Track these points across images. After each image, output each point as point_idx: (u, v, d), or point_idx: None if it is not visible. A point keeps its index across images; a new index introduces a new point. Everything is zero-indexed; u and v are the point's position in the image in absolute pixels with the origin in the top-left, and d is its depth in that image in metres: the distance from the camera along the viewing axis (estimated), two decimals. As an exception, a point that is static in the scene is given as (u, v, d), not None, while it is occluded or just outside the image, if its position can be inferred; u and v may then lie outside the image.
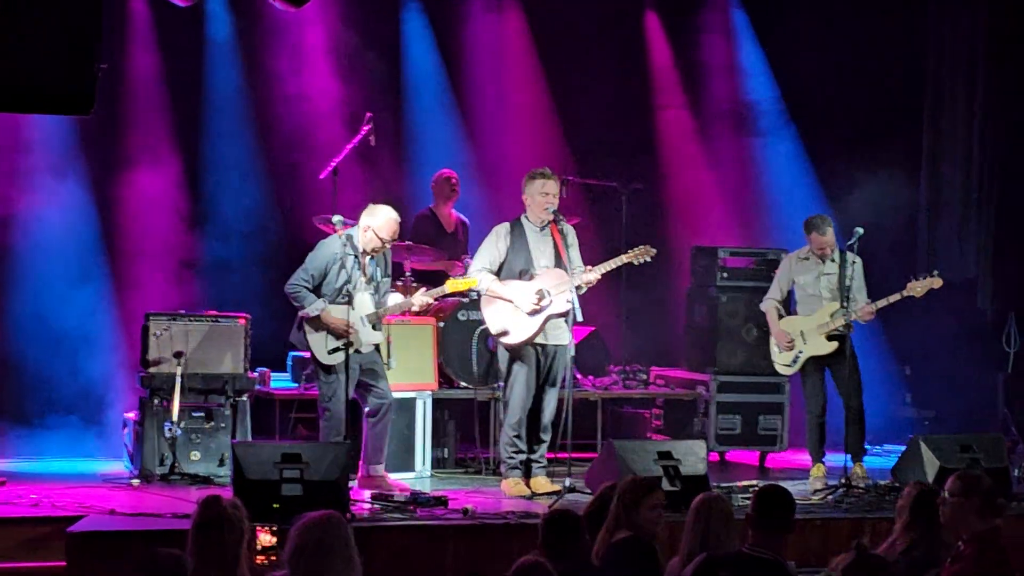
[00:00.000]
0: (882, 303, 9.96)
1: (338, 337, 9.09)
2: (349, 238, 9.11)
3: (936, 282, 9.84)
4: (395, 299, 9.36)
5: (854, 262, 9.92)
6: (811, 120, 12.84)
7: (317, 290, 9.17)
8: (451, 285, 9.30)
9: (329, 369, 9.17)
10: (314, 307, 9.09)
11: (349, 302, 9.02)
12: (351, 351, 9.04)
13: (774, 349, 10.36)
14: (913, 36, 12.81)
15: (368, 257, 9.22)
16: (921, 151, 12.95)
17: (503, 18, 12.53)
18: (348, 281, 9.09)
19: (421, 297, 9.38)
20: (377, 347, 9.35)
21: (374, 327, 9.25)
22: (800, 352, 10.15)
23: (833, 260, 10.14)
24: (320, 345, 9.16)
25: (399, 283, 10.33)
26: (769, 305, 10.40)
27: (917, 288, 9.84)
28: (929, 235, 12.90)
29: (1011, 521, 7.04)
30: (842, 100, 12.72)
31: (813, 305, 10.17)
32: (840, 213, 11.82)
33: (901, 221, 12.83)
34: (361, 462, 9.28)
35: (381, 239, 9.15)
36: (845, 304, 9.90)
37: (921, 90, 12.95)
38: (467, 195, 11.70)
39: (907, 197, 12.80)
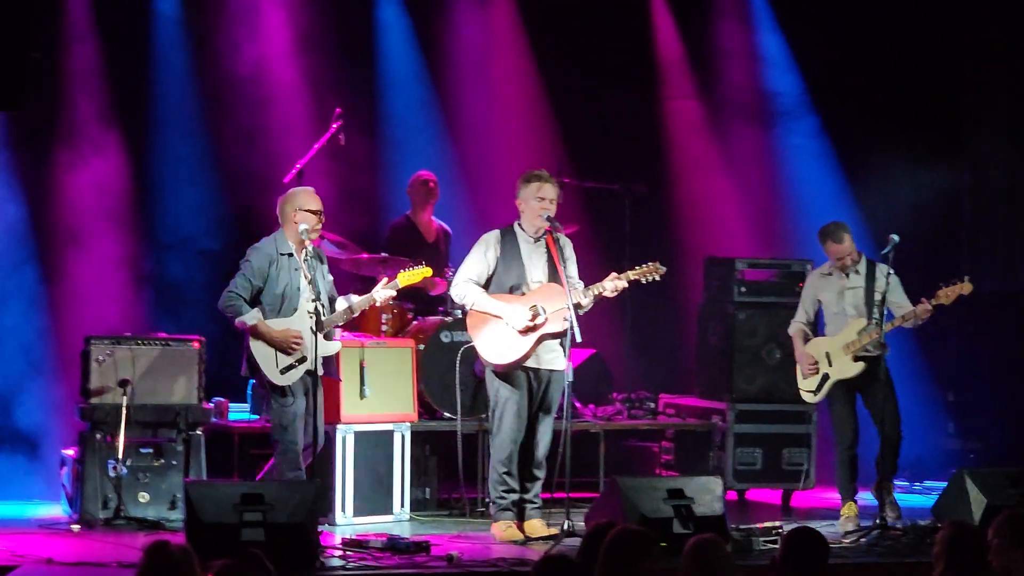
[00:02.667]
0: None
1: (287, 353, 9.07)
2: (277, 240, 9.14)
3: (965, 287, 9.75)
4: (342, 304, 9.32)
5: (889, 274, 9.82)
6: (837, 111, 12.86)
7: (254, 302, 9.12)
8: (403, 279, 9.38)
9: (283, 391, 9.12)
10: (250, 316, 9.03)
11: (294, 312, 9.08)
12: (304, 370, 9.05)
13: (799, 375, 10.36)
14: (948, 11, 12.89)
15: (305, 259, 9.14)
16: (962, 143, 12.96)
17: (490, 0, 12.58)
18: (289, 285, 9.11)
19: (382, 291, 9.37)
20: (333, 359, 9.35)
21: (326, 337, 9.21)
22: (825, 376, 10.14)
23: (858, 272, 10.13)
24: (270, 363, 9.10)
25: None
26: (795, 329, 10.39)
27: (946, 295, 9.76)
28: (974, 235, 12.86)
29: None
30: (872, 87, 12.75)
31: (839, 324, 10.17)
32: (872, 216, 11.90)
33: (941, 221, 12.86)
34: None
35: (313, 211, 9.13)
36: (875, 319, 9.86)
37: (959, 72, 12.95)
38: (450, 201, 11.79)
39: (947, 193, 12.81)
